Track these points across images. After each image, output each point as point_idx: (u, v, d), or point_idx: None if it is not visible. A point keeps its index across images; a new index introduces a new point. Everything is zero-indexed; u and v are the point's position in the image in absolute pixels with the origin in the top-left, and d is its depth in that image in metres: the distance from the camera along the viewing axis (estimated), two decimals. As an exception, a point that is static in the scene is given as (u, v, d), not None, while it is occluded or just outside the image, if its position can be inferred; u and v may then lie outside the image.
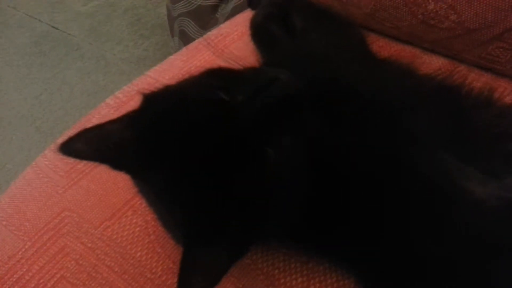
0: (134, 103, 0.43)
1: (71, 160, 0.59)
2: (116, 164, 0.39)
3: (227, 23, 0.77)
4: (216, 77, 0.40)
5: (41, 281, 0.48)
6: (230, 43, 0.72)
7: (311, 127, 0.38)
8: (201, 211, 0.35)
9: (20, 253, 0.50)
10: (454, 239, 0.36)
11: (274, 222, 0.37)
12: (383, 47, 0.67)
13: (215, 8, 1.07)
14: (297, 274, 0.45)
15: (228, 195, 0.34)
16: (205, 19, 1.11)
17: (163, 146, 0.36)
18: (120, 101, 0.65)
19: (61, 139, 0.63)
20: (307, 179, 0.37)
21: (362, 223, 0.39)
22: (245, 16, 0.74)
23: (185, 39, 1.14)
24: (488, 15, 0.57)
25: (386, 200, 0.38)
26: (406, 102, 0.44)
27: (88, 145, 0.39)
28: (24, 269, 0.49)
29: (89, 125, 0.63)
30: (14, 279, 0.48)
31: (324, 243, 0.41)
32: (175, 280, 0.45)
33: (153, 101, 0.40)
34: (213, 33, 0.76)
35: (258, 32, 0.68)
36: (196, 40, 0.78)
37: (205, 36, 0.76)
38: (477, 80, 0.61)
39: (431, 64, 0.64)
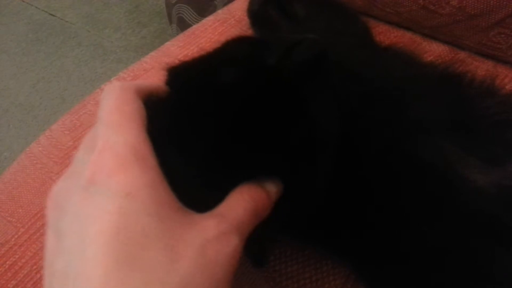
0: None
1: (65, 147, 0.58)
2: None
3: (225, 9, 0.76)
4: (241, 45, 0.38)
5: (34, 267, 0.47)
6: (227, 29, 0.71)
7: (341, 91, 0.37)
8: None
9: (13, 239, 0.50)
10: (455, 228, 0.36)
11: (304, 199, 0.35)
12: (383, 33, 0.65)
13: (213, -6, 1.06)
14: (293, 262, 0.44)
15: (274, 164, 0.32)
16: (204, 5, 1.10)
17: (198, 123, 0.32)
18: (115, 87, 0.64)
19: (55, 125, 0.63)
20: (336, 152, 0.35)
21: (360, 209, 0.38)
22: (243, 2, 0.73)
23: (183, 26, 1.13)
24: (490, 0, 0.56)
25: (385, 186, 0.38)
26: (408, 90, 0.44)
27: None
28: (17, 256, 0.48)
29: (83, 111, 0.63)
30: (7, 266, 0.48)
31: (320, 232, 0.41)
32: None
33: (179, 74, 0.37)
34: (209, 19, 0.75)
35: (257, 19, 0.67)
36: (193, 26, 0.77)
37: (201, 22, 0.75)
38: (478, 67, 0.60)
39: (431, 51, 0.63)
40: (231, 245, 0.26)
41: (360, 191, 0.38)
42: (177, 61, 0.39)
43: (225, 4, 1.00)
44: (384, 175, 0.38)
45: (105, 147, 0.26)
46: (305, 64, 0.34)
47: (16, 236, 0.50)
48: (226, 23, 0.72)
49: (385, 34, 0.65)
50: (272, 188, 0.31)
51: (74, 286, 0.23)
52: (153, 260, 0.23)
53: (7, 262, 0.48)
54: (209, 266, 0.25)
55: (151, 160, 0.27)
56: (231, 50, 0.37)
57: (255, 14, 0.67)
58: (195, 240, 0.25)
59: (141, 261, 0.23)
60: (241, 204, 0.28)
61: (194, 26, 0.76)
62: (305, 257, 0.44)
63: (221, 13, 0.75)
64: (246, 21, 0.69)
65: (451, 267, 0.35)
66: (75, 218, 0.25)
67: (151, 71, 0.66)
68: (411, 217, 0.37)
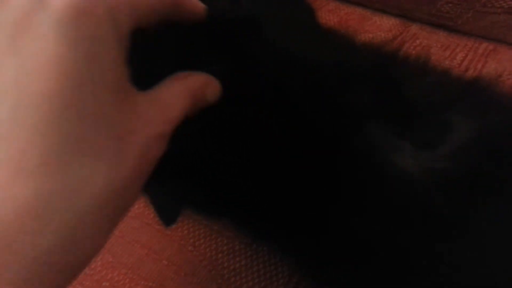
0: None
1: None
2: None
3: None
4: None
5: None
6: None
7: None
8: None
9: None
10: (384, 216, 0.35)
11: None
12: (332, 11, 0.64)
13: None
14: (241, 257, 0.44)
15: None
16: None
17: None
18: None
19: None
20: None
21: (294, 199, 0.37)
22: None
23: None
24: (434, -30, 0.54)
25: (313, 176, 0.37)
26: (341, 76, 0.42)
27: None
28: None
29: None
30: None
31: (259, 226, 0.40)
32: (115, 273, 0.45)
33: None
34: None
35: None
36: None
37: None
38: (430, 38, 0.59)
39: (382, 25, 0.61)
40: (162, 150, 0.22)
41: (294, 181, 0.37)
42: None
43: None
44: (317, 165, 0.38)
45: None
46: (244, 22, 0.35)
47: None
48: None
49: (335, 12, 0.63)
50: (212, 97, 0.27)
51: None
52: (102, 151, 0.19)
53: None
54: (146, 170, 0.21)
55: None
56: None
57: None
58: (143, 133, 0.21)
59: (90, 150, 0.18)
60: (182, 102, 0.24)
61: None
62: (253, 251, 0.44)
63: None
64: None
65: (384, 260, 0.35)
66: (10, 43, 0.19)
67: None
68: (344, 209, 0.36)
